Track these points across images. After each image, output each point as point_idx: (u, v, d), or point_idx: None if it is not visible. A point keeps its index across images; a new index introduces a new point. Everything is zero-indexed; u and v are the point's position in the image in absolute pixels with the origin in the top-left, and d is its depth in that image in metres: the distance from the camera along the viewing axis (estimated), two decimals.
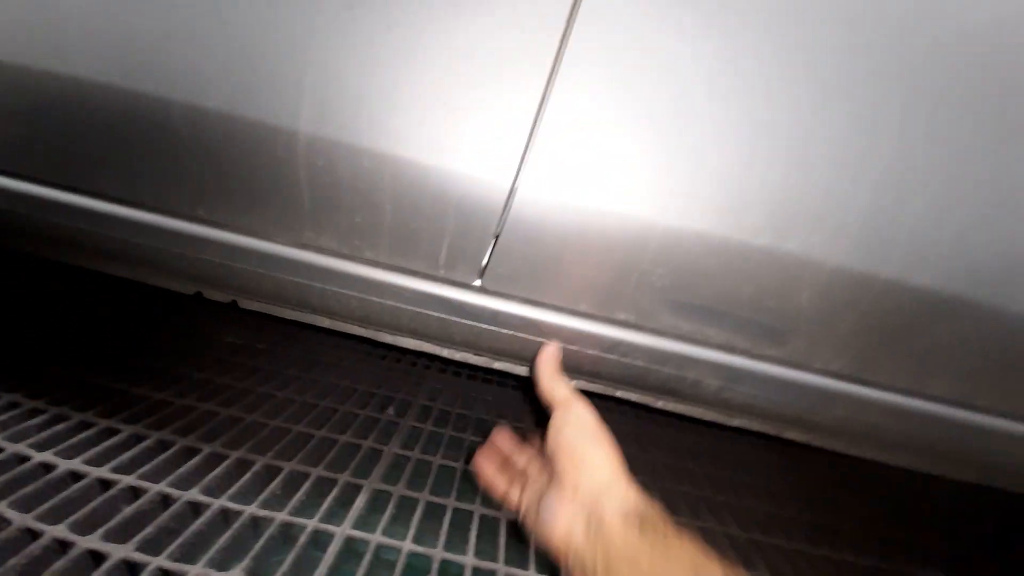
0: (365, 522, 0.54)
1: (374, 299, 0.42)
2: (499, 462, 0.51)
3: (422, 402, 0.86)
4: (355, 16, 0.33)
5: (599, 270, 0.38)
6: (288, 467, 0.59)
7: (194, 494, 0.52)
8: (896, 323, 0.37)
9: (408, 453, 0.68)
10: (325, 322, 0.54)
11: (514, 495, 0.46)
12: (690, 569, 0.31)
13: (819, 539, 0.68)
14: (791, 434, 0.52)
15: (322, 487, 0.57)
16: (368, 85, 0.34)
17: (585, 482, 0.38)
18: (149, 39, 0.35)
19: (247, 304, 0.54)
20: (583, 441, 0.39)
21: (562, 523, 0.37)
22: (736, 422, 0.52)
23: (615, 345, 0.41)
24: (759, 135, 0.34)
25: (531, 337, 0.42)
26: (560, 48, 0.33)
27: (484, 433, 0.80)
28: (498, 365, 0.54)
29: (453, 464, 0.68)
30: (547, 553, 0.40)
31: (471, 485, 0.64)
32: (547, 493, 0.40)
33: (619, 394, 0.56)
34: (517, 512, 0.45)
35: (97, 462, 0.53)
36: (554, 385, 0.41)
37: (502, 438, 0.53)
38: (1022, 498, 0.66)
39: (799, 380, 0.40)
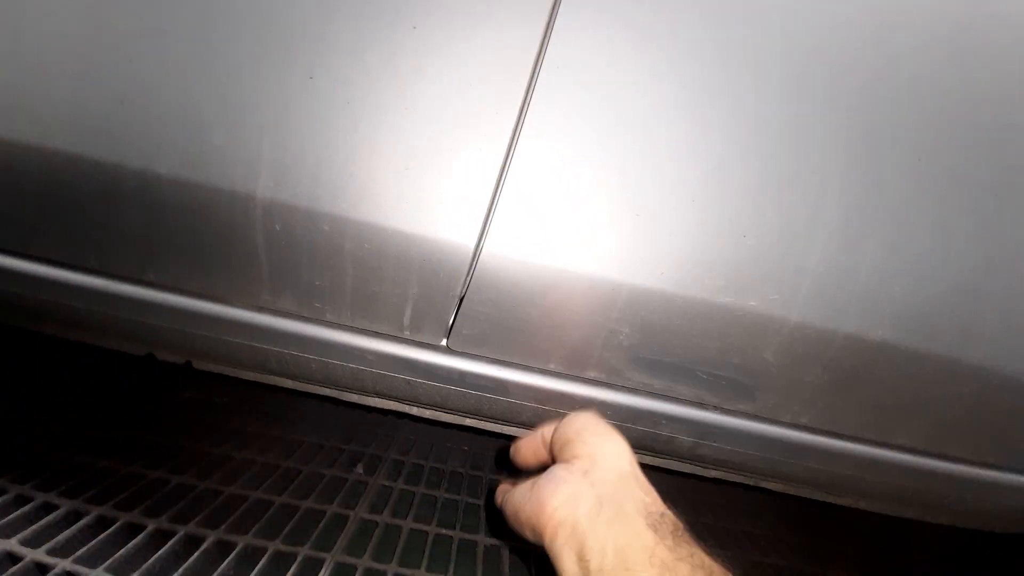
0: None
1: (336, 362, 0.40)
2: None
3: (393, 456, 0.82)
4: (315, 85, 0.33)
5: (567, 329, 0.37)
6: (243, 542, 0.54)
7: None
8: (858, 376, 0.37)
9: (376, 517, 0.64)
10: (287, 383, 0.52)
11: (509, 489, 0.41)
12: None
13: None
14: (769, 484, 0.51)
15: (280, 563, 0.53)
16: (327, 150, 0.34)
17: (601, 465, 0.33)
18: (101, 104, 0.34)
19: (201, 365, 0.51)
20: (598, 428, 0.35)
21: (563, 496, 0.32)
22: (713, 474, 0.51)
23: (586, 404, 0.40)
24: (718, 195, 0.35)
25: (500, 398, 0.41)
26: (522, 110, 0.34)
27: (458, 488, 0.76)
28: (469, 422, 0.53)
29: (424, 528, 0.64)
30: (522, 528, 0.35)
31: (443, 551, 0.60)
32: (549, 470, 0.35)
33: None
34: (502, 507, 0.40)
35: (34, 543, 0.48)
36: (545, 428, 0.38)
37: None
38: (991, 536, 0.66)
39: (769, 434, 0.40)
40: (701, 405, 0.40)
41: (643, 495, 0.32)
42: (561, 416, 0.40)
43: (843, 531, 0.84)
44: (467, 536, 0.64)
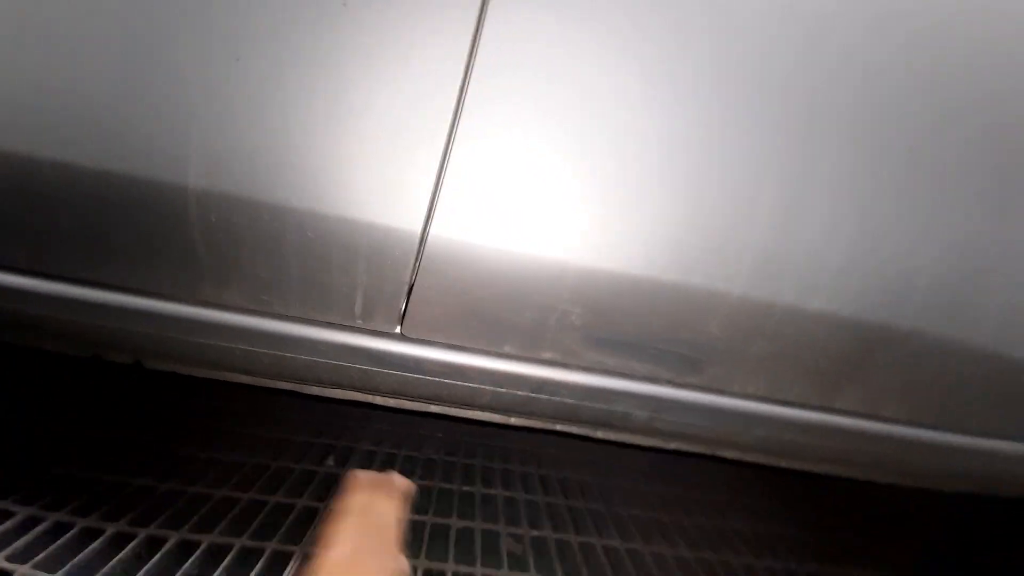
0: None
1: (288, 354, 0.40)
2: None
3: (366, 447, 0.81)
4: (244, 67, 0.32)
5: (519, 312, 0.38)
6: (207, 540, 0.53)
7: None
8: (798, 346, 0.39)
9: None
10: (243, 379, 0.51)
11: None
12: None
13: (763, 550, 0.69)
14: (725, 453, 0.53)
15: (246, 559, 0.52)
16: (260, 136, 0.32)
17: None
18: (17, 95, 0.32)
19: (152, 364, 0.50)
20: None
21: None
22: (673, 445, 0.53)
23: (543, 384, 0.41)
24: (657, 174, 0.36)
25: (458, 383, 0.41)
26: (462, 90, 0.33)
27: (431, 475, 0.77)
28: (434, 409, 0.53)
29: None
30: None
31: (416, 537, 0.61)
32: None
33: (559, 427, 0.56)
34: None
35: None
36: None
37: None
38: (936, 495, 0.71)
39: (720, 405, 0.41)
40: (654, 380, 0.41)
41: None
42: (545, 402, 0.40)
43: (797, 493, 0.89)
44: (439, 520, 0.65)
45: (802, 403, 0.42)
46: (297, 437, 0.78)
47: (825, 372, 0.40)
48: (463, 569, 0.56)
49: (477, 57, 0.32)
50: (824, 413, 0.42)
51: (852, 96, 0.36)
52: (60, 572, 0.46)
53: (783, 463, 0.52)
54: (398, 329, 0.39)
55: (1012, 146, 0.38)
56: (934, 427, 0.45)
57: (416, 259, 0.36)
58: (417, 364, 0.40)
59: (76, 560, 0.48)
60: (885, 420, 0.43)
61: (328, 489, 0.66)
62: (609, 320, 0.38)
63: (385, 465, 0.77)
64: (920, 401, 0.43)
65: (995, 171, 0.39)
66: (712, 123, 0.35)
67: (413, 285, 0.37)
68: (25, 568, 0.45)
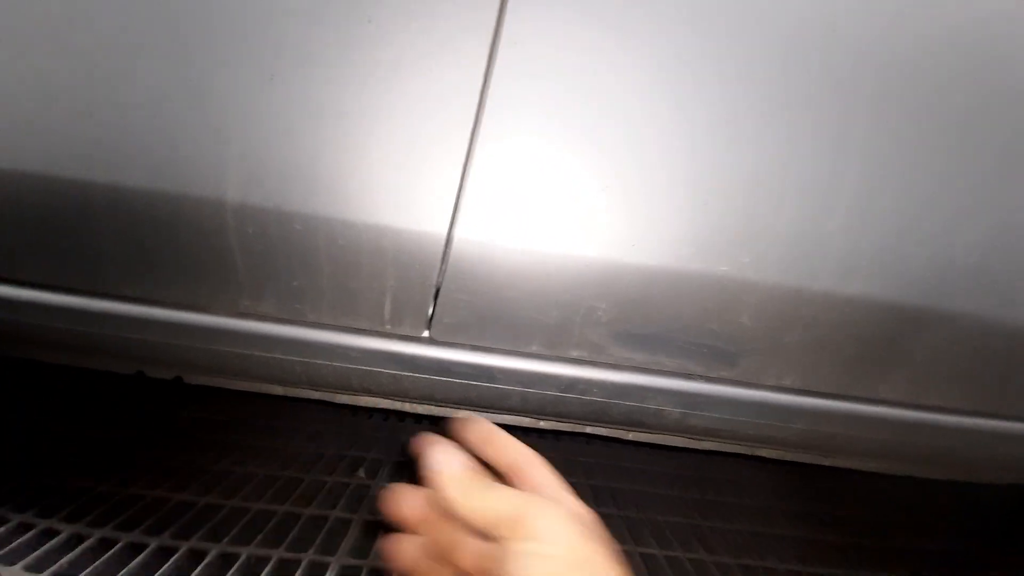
0: None
1: (320, 362, 0.41)
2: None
3: (396, 459, 0.82)
4: (275, 86, 0.33)
5: (544, 310, 0.38)
6: (246, 552, 0.54)
7: None
8: (836, 333, 0.38)
9: (379, 519, 0.64)
10: (277, 390, 0.52)
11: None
12: None
13: (809, 556, 0.66)
14: (763, 452, 0.51)
15: (284, 570, 0.53)
16: (293, 150, 0.34)
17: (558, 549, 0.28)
18: (62, 119, 0.34)
19: (192, 379, 0.51)
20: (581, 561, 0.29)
21: None
22: (707, 445, 0.52)
23: (572, 384, 0.41)
24: (682, 164, 0.36)
25: (486, 384, 0.41)
26: (483, 92, 0.34)
27: None
28: (463, 414, 0.53)
29: None
30: None
31: None
32: (500, 552, 0.29)
33: (589, 430, 0.55)
34: None
35: (37, 567, 0.48)
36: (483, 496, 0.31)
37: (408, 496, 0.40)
38: (990, 488, 0.66)
39: (755, 398, 0.40)
40: (686, 375, 0.40)
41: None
42: (574, 401, 0.39)
43: (844, 494, 0.85)
44: None
45: (843, 394, 0.40)
46: (328, 450, 0.79)
47: (866, 360, 0.39)
48: None
49: (495, 62, 0.33)
50: (867, 404, 0.41)
51: (884, 70, 0.35)
52: None
53: (827, 461, 0.51)
54: (426, 333, 0.40)
55: None
56: (988, 415, 0.42)
57: (442, 262, 0.36)
58: (445, 367, 0.40)
59: (121, 574, 0.49)
60: (934, 409, 0.41)
61: (360, 500, 0.67)
62: (636, 315, 0.38)
63: (415, 478, 0.77)
64: (970, 388, 0.41)
65: None
66: (735, 107, 0.35)
67: (440, 288, 0.37)
68: None
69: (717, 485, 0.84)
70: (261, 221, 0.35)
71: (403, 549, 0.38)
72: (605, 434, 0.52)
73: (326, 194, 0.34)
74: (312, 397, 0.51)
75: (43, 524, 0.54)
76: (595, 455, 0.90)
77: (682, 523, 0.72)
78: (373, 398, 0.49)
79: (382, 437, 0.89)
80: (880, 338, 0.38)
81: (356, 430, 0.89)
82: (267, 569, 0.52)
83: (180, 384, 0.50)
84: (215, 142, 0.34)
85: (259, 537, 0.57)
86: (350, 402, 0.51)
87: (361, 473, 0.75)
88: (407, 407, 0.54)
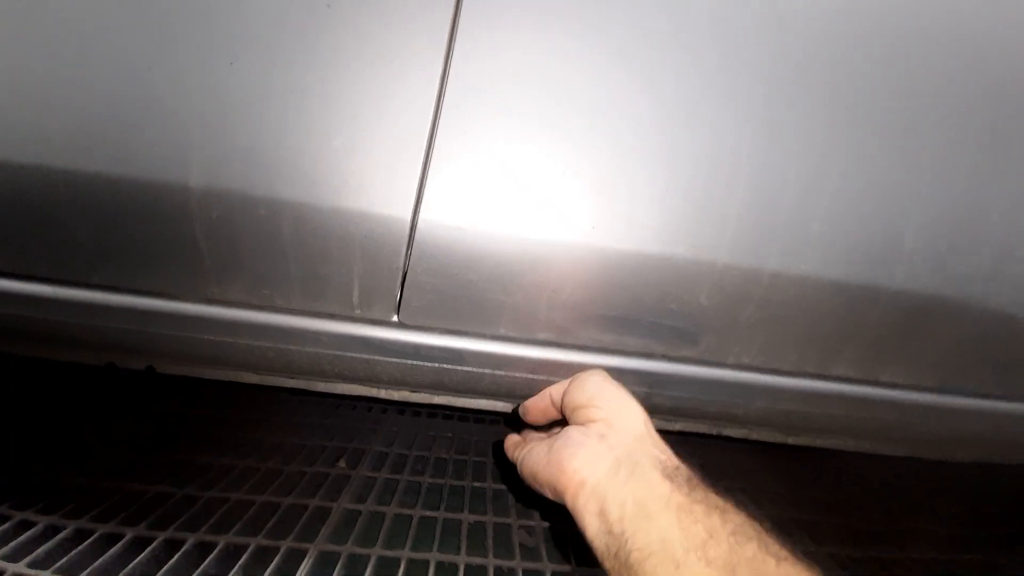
0: None
1: (291, 347, 0.41)
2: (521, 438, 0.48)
3: (377, 449, 0.82)
4: (238, 70, 0.34)
5: (510, 293, 0.39)
6: (223, 540, 0.54)
7: None
8: (789, 312, 0.39)
9: (360, 507, 0.65)
10: (253, 378, 0.52)
11: (523, 447, 0.43)
12: (746, 540, 0.29)
13: (782, 533, 0.68)
14: (731, 431, 0.53)
15: (262, 557, 0.53)
16: (255, 135, 0.34)
17: (616, 427, 0.36)
18: (23, 107, 0.34)
19: (165, 369, 0.51)
20: (611, 393, 0.38)
21: (582, 459, 0.35)
22: (677, 427, 0.53)
23: (540, 365, 0.42)
24: (641, 147, 0.37)
25: (457, 367, 0.42)
26: (443, 78, 0.35)
27: (443, 473, 0.77)
28: (438, 400, 0.54)
29: (408, 512, 0.65)
30: (540, 487, 0.38)
31: (428, 532, 0.61)
32: (564, 432, 0.38)
33: None
34: (515, 460, 0.43)
35: (12, 558, 0.48)
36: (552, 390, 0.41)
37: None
38: (957, 466, 0.69)
39: (717, 376, 0.42)
40: (649, 355, 0.41)
41: (658, 452, 0.35)
42: (543, 383, 0.42)
43: (814, 474, 0.87)
44: (451, 516, 0.66)
45: (800, 371, 0.42)
46: (309, 441, 0.80)
47: (819, 338, 0.41)
48: (475, 561, 0.57)
49: (456, 45, 0.34)
50: (823, 381, 0.42)
51: (839, 54, 0.37)
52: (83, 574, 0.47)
53: (790, 439, 0.52)
54: (395, 317, 0.40)
55: (1007, 94, 0.39)
56: (937, 391, 0.44)
57: (408, 246, 0.37)
58: (416, 350, 0.41)
59: (96, 564, 0.49)
60: (885, 385, 0.43)
61: (340, 490, 0.67)
62: (600, 296, 0.39)
63: (396, 466, 0.77)
64: (919, 364, 0.43)
65: (991, 123, 0.39)
66: (692, 93, 0.36)
67: (407, 272, 0.38)
68: (46, 574, 0.47)
69: (694, 466, 0.87)
70: (225, 206, 0.35)
71: (512, 438, 0.49)
72: None
73: (290, 179, 0.35)
74: (291, 387, 0.52)
75: (18, 516, 0.54)
76: None
77: None
78: (351, 386, 0.49)
79: (363, 428, 0.90)
80: (830, 316, 0.39)
81: (336, 422, 0.90)
82: (244, 556, 0.53)
83: (153, 374, 0.50)
84: (177, 128, 0.34)
85: (237, 526, 0.57)
86: (327, 390, 0.51)
87: (342, 463, 0.75)
88: (393, 396, 0.54)
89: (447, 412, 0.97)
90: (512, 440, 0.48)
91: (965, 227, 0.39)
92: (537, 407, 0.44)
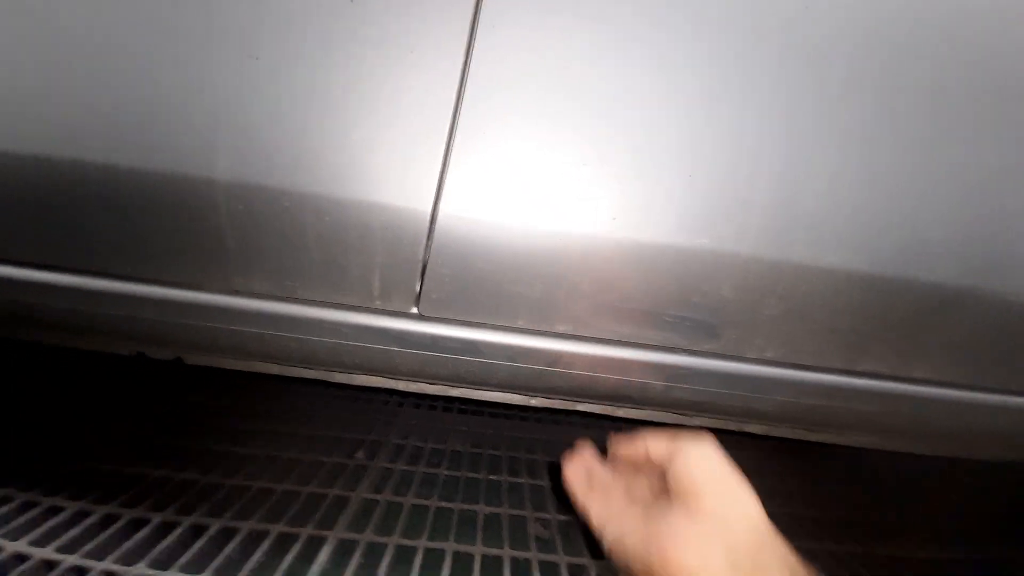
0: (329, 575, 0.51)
1: (313, 338, 0.42)
2: (587, 475, 0.42)
3: (394, 441, 0.84)
4: (262, 65, 0.34)
5: (529, 285, 0.39)
6: (246, 527, 0.56)
7: (142, 569, 0.49)
8: (813, 305, 0.38)
9: (378, 497, 0.66)
10: (275, 370, 0.53)
11: (605, 511, 0.38)
12: None
13: (800, 532, 0.68)
14: (752, 427, 0.52)
15: (283, 544, 0.54)
16: (279, 128, 0.35)
17: (732, 518, 0.31)
18: (56, 102, 0.35)
19: (192, 359, 0.53)
20: (727, 475, 0.33)
21: (693, 549, 0.30)
22: (697, 421, 0.53)
23: (558, 357, 0.42)
24: (662, 137, 0.36)
25: (474, 359, 0.42)
26: (463, 74, 0.35)
27: (458, 465, 0.78)
28: (456, 392, 0.54)
29: (425, 502, 0.66)
30: (632, 565, 0.33)
31: (444, 523, 0.62)
32: (669, 514, 0.33)
33: (580, 407, 0.56)
34: (600, 530, 0.38)
35: (40, 543, 0.50)
36: (659, 439, 0.36)
37: (589, 451, 0.45)
38: (983, 464, 0.67)
39: (738, 370, 0.41)
40: (669, 349, 0.41)
41: (785, 553, 0.31)
42: (559, 375, 0.40)
43: (837, 472, 0.86)
44: (467, 507, 0.66)
45: (824, 366, 0.41)
46: (328, 432, 0.81)
47: (844, 332, 0.40)
48: (492, 551, 0.57)
49: (477, 39, 0.34)
50: (848, 376, 0.41)
51: (859, 49, 0.36)
52: (108, 559, 0.49)
53: (812, 437, 0.51)
54: (415, 309, 0.41)
55: None
56: (965, 387, 0.43)
57: (428, 238, 0.37)
58: (434, 342, 0.41)
59: (124, 547, 0.51)
60: (913, 381, 0.42)
61: (359, 480, 0.68)
62: (619, 288, 0.38)
63: (412, 458, 0.78)
64: (949, 360, 0.42)
65: (1017, 113, 0.38)
66: (709, 80, 0.35)
67: (427, 264, 0.38)
68: (74, 557, 0.49)
69: None
70: (249, 199, 0.36)
71: (577, 473, 0.43)
72: (597, 411, 0.53)
73: (313, 171, 0.35)
74: (311, 377, 0.53)
75: (48, 502, 0.56)
76: (587, 434, 0.91)
77: None
78: (369, 377, 0.50)
79: (380, 420, 0.91)
80: (857, 310, 0.38)
81: (354, 415, 0.91)
82: (266, 542, 0.54)
83: (181, 365, 0.51)
84: (203, 121, 0.35)
85: (259, 512, 0.59)
86: (346, 381, 0.52)
87: (360, 454, 0.77)
88: (412, 388, 0.55)
89: (462, 406, 0.98)
90: (577, 476, 0.43)
91: (993, 218, 0.38)
92: (627, 454, 0.39)
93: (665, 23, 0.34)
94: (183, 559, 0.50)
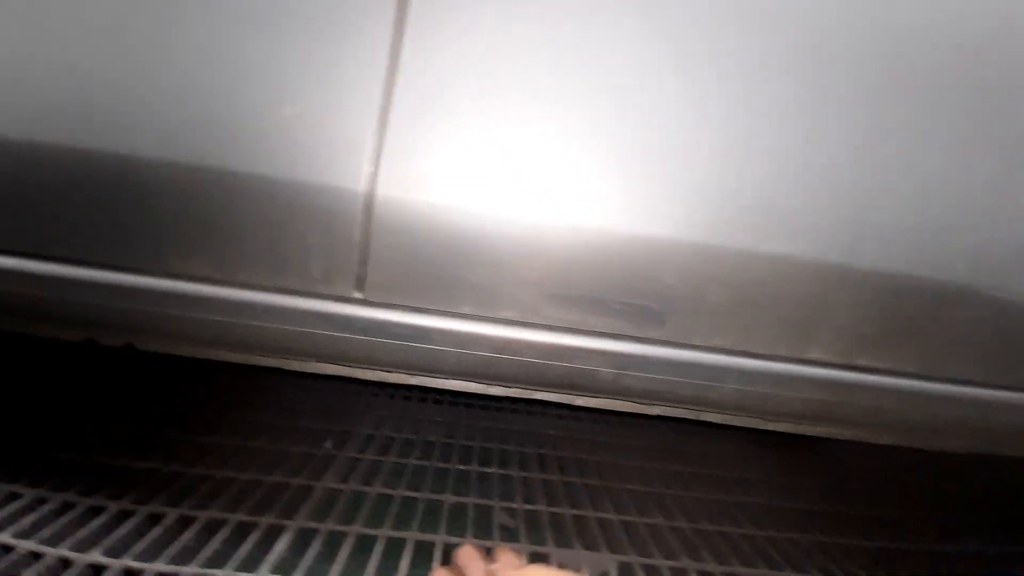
0: (287, 565, 0.51)
1: (256, 323, 0.41)
2: None
3: (365, 431, 0.83)
4: (189, 40, 0.33)
5: (474, 270, 0.38)
6: (204, 516, 0.55)
7: (95, 556, 0.48)
8: (758, 292, 0.38)
9: (342, 486, 0.66)
10: (229, 356, 0.52)
11: None
12: None
13: (764, 522, 0.68)
14: (709, 416, 0.52)
15: (241, 532, 0.54)
16: (205, 104, 0.34)
17: None
18: None
19: (145, 346, 0.52)
20: None
21: None
22: (656, 411, 0.52)
23: (506, 345, 0.41)
24: (604, 121, 0.36)
25: (423, 346, 0.42)
26: (395, 45, 0.34)
27: (429, 455, 0.77)
28: (433, 383, 0.53)
29: (391, 492, 0.66)
30: None
31: (408, 512, 0.62)
32: None
33: (539, 396, 0.56)
34: None
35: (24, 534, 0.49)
36: None
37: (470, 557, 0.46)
38: (945, 456, 0.67)
39: (686, 358, 0.41)
40: (616, 336, 0.40)
41: None
42: (508, 362, 0.40)
43: (802, 464, 0.86)
44: (434, 497, 0.66)
45: (772, 354, 0.41)
46: (297, 422, 0.81)
47: (791, 320, 0.39)
48: (453, 540, 0.57)
49: (409, 9, 0.33)
50: (796, 364, 0.41)
51: (801, 34, 0.35)
52: (61, 546, 0.49)
53: (770, 426, 0.51)
54: (359, 293, 0.40)
55: (986, 64, 0.37)
56: (920, 377, 0.43)
57: (367, 220, 0.36)
58: (381, 328, 0.41)
59: (77, 534, 0.51)
60: (863, 370, 0.42)
61: (324, 470, 0.68)
62: (564, 274, 0.38)
63: (382, 448, 0.78)
64: (897, 348, 0.41)
65: (967, 97, 0.37)
66: (650, 63, 0.34)
67: (368, 247, 0.37)
68: (30, 543, 0.48)
69: (683, 459, 0.85)
70: (179, 178, 0.35)
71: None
72: (554, 400, 0.53)
73: (244, 150, 0.34)
74: (288, 368, 0.52)
75: (5, 488, 0.56)
76: (564, 431, 0.91)
77: (642, 491, 0.74)
78: (340, 367, 0.49)
79: (353, 410, 0.90)
80: (802, 298, 0.38)
81: (328, 403, 0.90)
82: (224, 531, 0.54)
83: (133, 351, 0.51)
84: (128, 97, 0.34)
85: (219, 501, 0.58)
86: (320, 371, 0.51)
87: (328, 444, 0.76)
88: (389, 378, 0.55)
89: (437, 397, 0.97)
90: None
91: (947, 204, 0.37)
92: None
93: (621, 11, 0.33)
94: (138, 547, 0.50)
